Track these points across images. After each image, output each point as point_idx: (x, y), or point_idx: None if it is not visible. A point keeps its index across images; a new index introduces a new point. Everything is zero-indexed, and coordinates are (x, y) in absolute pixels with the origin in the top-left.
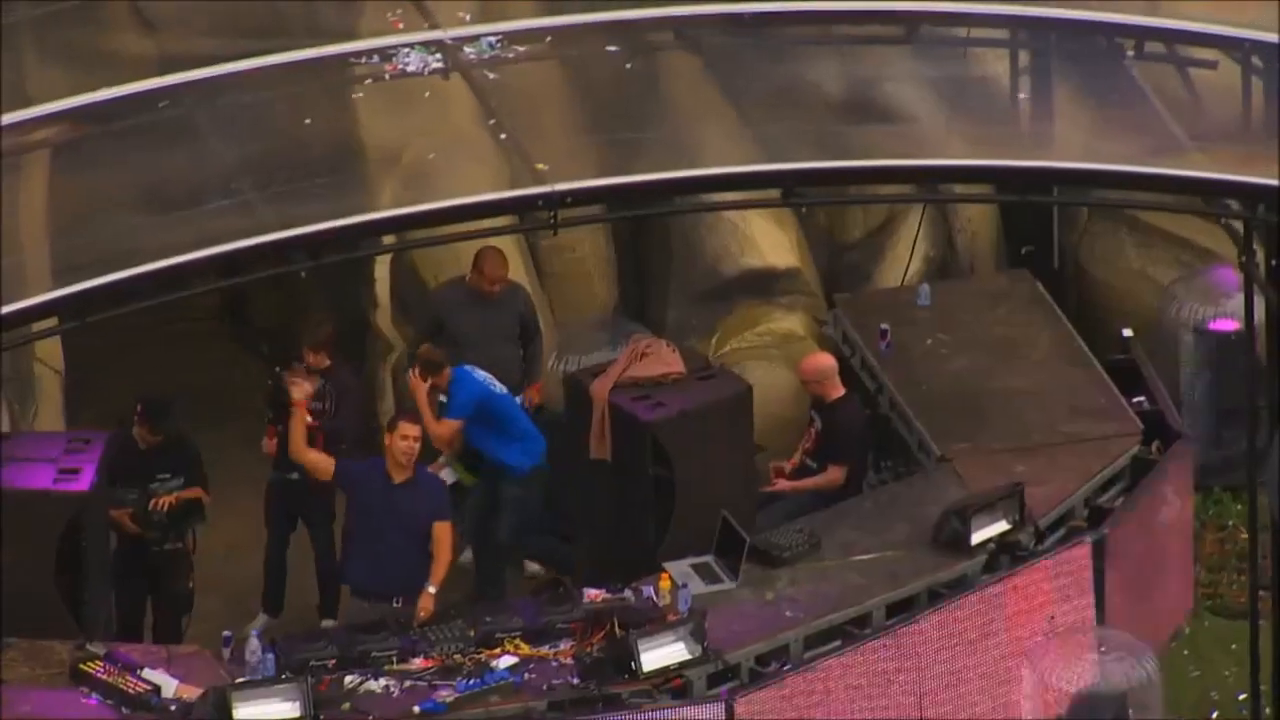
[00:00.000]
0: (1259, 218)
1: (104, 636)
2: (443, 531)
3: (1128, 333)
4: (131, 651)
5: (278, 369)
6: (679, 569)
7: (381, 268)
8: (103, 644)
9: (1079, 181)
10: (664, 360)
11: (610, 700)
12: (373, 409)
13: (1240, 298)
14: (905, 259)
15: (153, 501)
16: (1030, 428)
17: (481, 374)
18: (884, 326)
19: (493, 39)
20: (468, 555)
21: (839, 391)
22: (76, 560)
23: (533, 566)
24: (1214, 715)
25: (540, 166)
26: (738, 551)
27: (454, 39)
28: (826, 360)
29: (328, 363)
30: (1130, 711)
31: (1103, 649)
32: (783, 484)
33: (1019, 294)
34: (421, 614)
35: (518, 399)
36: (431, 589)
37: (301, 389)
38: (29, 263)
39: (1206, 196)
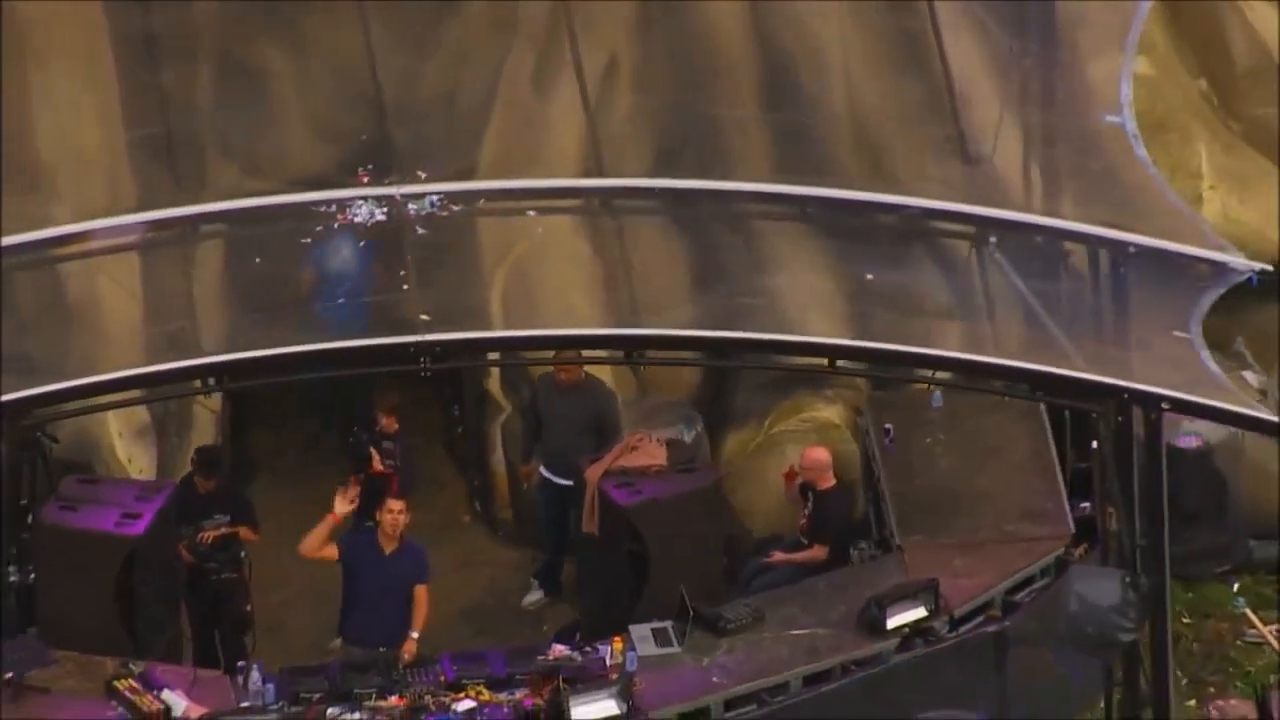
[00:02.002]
0: None
1: (167, 656)
2: (421, 593)
3: (1095, 444)
4: (165, 672)
5: (356, 428)
6: (640, 632)
7: None
8: (143, 663)
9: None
10: (649, 454)
11: None
12: (486, 461)
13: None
14: None
15: (199, 535)
16: (979, 525)
17: None
18: (888, 426)
19: (435, 198)
20: None
21: (830, 482)
22: (136, 591)
23: (534, 596)
24: None
25: (424, 317)
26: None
27: (403, 195)
28: (823, 455)
29: (396, 426)
30: None
31: None
32: (778, 556)
33: (1018, 405)
34: (406, 657)
35: None
36: (414, 634)
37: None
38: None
39: None
